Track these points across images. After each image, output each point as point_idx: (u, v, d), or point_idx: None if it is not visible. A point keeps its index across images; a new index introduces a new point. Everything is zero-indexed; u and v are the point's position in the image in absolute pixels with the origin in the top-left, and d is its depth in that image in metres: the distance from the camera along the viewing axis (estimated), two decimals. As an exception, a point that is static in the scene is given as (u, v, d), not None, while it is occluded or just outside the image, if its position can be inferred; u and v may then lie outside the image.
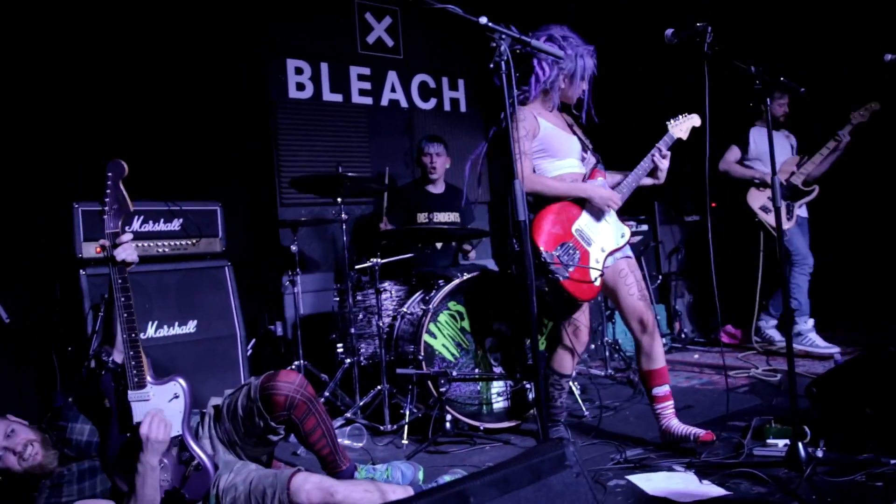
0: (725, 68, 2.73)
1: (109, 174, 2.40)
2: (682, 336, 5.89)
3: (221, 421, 2.62)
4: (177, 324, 3.77)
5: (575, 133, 3.26)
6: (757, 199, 5.02)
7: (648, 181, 3.24)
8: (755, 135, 5.14)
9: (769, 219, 4.93)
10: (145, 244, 3.75)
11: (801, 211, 5.09)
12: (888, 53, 3.60)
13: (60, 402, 3.75)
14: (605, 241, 3.12)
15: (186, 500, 2.42)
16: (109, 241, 2.43)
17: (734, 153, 5.16)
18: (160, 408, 2.40)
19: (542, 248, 2.93)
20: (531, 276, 1.95)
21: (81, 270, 3.57)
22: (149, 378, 2.44)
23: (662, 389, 3.13)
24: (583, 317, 3.23)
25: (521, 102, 3.18)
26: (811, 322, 5.05)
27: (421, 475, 2.75)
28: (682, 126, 3.28)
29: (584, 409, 3.75)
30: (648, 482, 2.64)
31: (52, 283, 4.00)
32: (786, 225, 4.98)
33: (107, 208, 2.41)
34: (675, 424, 3.07)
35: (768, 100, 2.85)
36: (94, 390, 2.53)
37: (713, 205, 5.57)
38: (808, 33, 5.59)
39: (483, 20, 2.15)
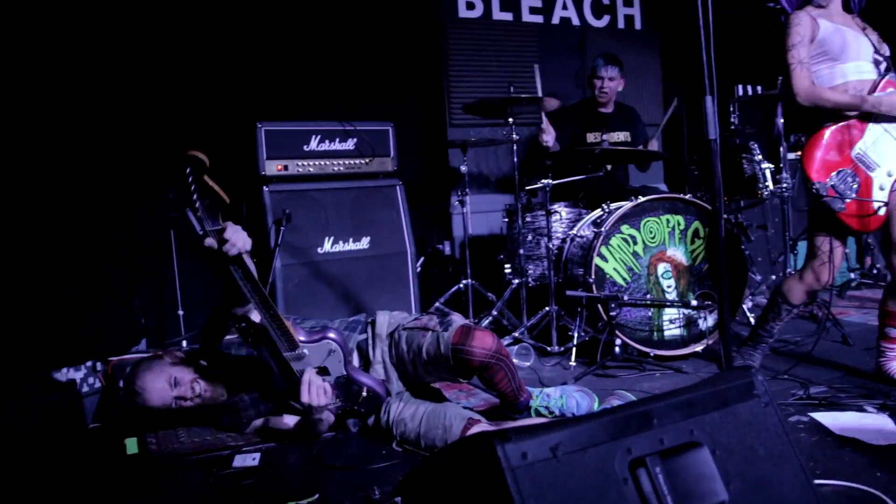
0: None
1: (189, 170, 2.18)
2: (874, 272, 5.41)
3: (398, 349, 2.59)
4: (351, 240, 3.91)
5: (867, 36, 2.85)
6: None
7: None
8: None
9: None
10: (322, 162, 3.89)
11: None
12: None
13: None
14: (892, 162, 2.75)
15: (362, 412, 2.53)
16: (214, 238, 2.18)
17: None
18: (318, 365, 2.41)
19: (813, 178, 2.70)
20: (720, 196, 1.82)
21: (265, 187, 3.77)
22: (300, 338, 2.41)
23: None
24: (838, 250, 2.86)
25: (797, 7, 2.86)
26: None
27: (596, 405, 2.67)
28: None
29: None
30: (834, 420, 2.47)
31: (240, 201, 4.27)
32: None
33: (198, 205, 2.19)
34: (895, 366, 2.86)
35: None
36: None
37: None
38: None
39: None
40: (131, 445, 2.52)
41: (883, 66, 2.80)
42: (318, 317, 2.86)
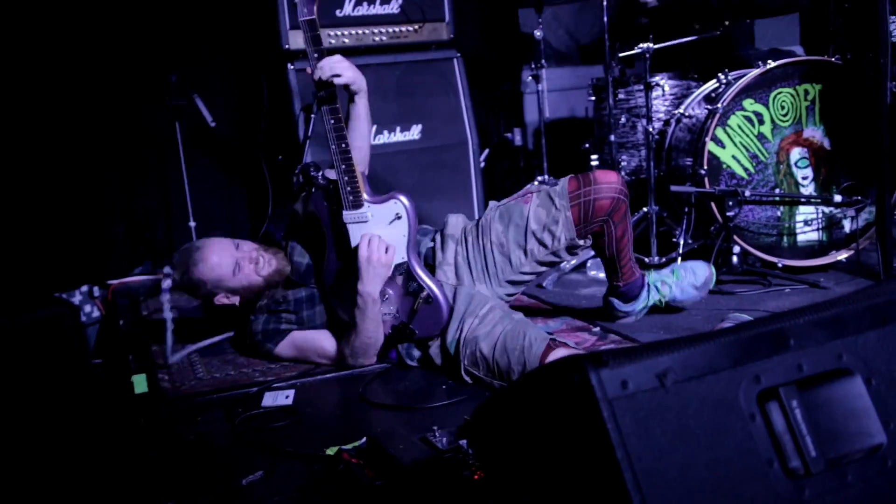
0: None
1: None
2: None
3: (478, 243, 2.67)
4: (398, 129, 3.89)
5: None
6: None
7: None
8: None
9: None
10: (359, 31, 3.84)
11: None
12: None
13: (271, 228, 4.09)
14: None
15: (416, 337, 2.55)
16: (305, 31, 2.47)
17: None
18: (380, 232, 2.49)
19: None
20: (887, 49, 1.71)
21: (289, 65, 3.75)
22: (365, 196, 2.50)
23: None
24: None
25: None
26: None
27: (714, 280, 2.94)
28: None
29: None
30: None
31: (259, 80, 4.26)
32: None
33: None
34: None
35: None
36: (306, 210, 2.72)
37: None
38: None
39: None
40: (140, 383, 2.59)
41: None
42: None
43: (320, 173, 2.57)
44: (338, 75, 2.46)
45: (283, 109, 3.88)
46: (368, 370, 2.60)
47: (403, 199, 2.51)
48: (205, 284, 2.66)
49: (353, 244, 2.50)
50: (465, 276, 2.65)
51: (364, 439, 1.92)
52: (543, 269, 2.70)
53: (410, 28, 3.95)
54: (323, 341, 2.66)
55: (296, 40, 3.74)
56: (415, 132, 3.93)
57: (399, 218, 2.51)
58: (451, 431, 1.90)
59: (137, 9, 4.09)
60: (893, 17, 3.45)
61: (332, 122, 2.46)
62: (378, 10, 3.90)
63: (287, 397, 2.40)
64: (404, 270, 2.53)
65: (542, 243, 2.58)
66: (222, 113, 4.24)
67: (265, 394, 2.44)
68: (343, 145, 2.46)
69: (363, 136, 2.66)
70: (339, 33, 3.80)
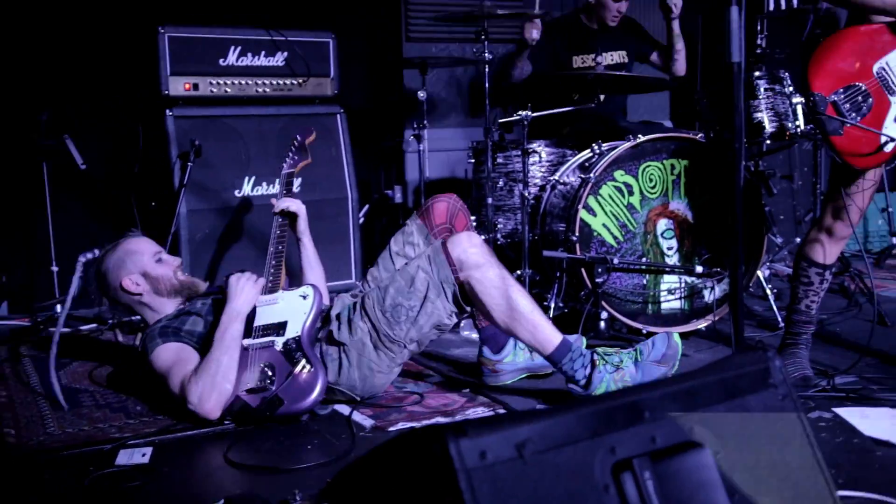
0: None
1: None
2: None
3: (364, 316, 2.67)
4: (277, 181, 3.85)
5: None
6: None
7: None
8: None
9: None
10: (242, 81, 3.81)
11: None
12: None
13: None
14: None
15: (280, 411, 2.49)
16: (282, 182, 3.18)
17: None
18: (284, 301, 2.72)
19: (813, 87, 2.62)
20: (741, 134, 1.82)
21: (168, 111, 3.69)
22: (282, 289, 2.78)
23: None
24: (859, 195, 2.83)
25: None
26: None
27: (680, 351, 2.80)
28: None
29: (779, 318, 3.62)
30: (863, 419, 2.52)
31: (135, 124, 4.17)
32: None
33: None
34: None
35: None
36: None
37: None
38: None
39: None
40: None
41: None
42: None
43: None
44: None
45: (159, 155, 3.81)
46: (232, 427, 2.54)
47: (313, 288, 2.73)
48: (123, 263, 2.78)
49: (256, 324, 2.67)
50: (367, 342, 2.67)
51: (221, 501, 1.87)
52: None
53: (295, 81, 3.95)
54: (192, 363, 2.57)
55: (176, 87, 3.69)
56: (294, 185, 3.90)
57: (305, 298, 2.69)
58: (311, 495, 1.87)
59: (8, 41, 3.96)
60: (801, 98, 3.64)
61: (279, 232, 2.94)
62: (263, 61, 3.89)
63: (144, 455, 2.31)
64: (294, 343, 2.58)
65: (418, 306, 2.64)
66: (95, 155, 4.13)
67: (120, 451, 2.33)
68: (281, 247, 2.90)
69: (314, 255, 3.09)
70: (221, 82, 3.77)
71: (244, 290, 2.66)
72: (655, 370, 2.70)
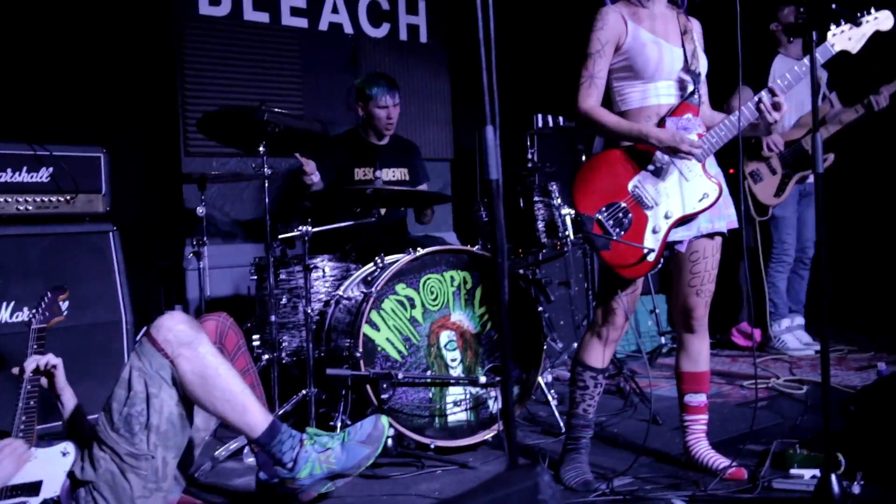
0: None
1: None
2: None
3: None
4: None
5: (684, 44, 2.94)
6: (750, 160, 5.04)
7: (772, 123, 2.87)
8: (779, 68, 5.04)
9: (760, 190, 4.97)
10: (2, 199, 3.57)
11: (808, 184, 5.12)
12: None
13: None
14: (673, 204, 2.88)
15: None
16: (33, 336, 2.79)
17: (745, 93, 5.15)
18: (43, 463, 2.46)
19: (579, 208, 2.83)
20: (503, 250, 1.85)
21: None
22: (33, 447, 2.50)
23: (697, 399, 3.10)
24: (627, 298, 3.01)
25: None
26: (797, 321, 5.36)
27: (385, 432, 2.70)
28: (855, 33, 2.89)
29: (561, 424, 3.70)
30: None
31: None
32: (770, 200, 5.05)
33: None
34: (703, 448, 3.06)
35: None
36: None
37: (731, 171, 5.61)
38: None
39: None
40: None
41: (689, 87, 2.94)
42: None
43: None
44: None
45: None
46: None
47: (74, 444, 2.50)
48: None
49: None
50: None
51: None
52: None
53: (62, 198, 3.75)
54: None
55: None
56: (63, 308, 3.66)
57: (66, 454, 2.49)
58: None
59: None
60: (571, 209, 3.79)
61: (29, 387, 2.62)
62: (24, 177, 3.67)
63: None
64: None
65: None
66: None
67: None
68: (32, 402, 2.59)
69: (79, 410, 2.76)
70: (-24, 200, 3.53)
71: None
72: (361, 450, 2.64)
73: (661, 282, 5.70)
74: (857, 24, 2.89)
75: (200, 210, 4.16)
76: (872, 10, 2.89)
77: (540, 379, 3.78)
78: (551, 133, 5.28)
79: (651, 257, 2.87)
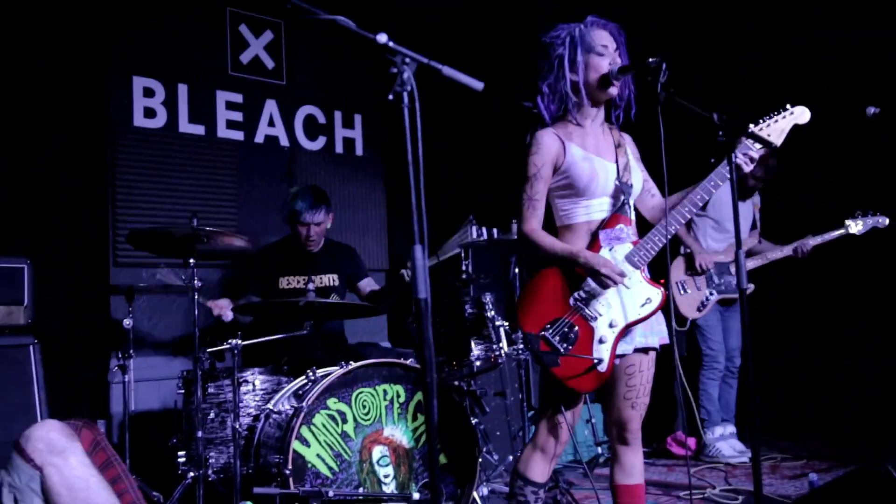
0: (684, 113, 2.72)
1: None
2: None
3: None
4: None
5: (617, 158, 3.01)
6: (677, 271, 5.13)
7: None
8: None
9: (683, 302, 5.07)
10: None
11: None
12: (871, 106, 3.72)
13: None
14: (616, 313, 2.90)
15: None
16: None
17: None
18: None
19: (525, 328, 2.85)
20: (432, 368, 1.83)
21: None
22: None
23: None
24: (570, 413, 3.01)
25: (554, 115, 3.00)
26: (728, 429, 5.37)
27: None
28: (774, 128, 3.00)
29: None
30: None
31: None
32: (691, 314, 5.16)
33: None
34: None
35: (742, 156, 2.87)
36: None
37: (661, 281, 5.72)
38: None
39: (382, 38, 2.03)
40: None
41: (621, 199, 2.98)
42: None
43: None
44: None
45: None
46: None
47: None
48: None
49: None
50: None
51: None
52: None
53: (-18, 310, 3.65)
54: None
55: None
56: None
57: None
58: None
59: None
60: (504, 321, 3.79)
61: None
62: (-57, 289, 3.57)
63: None
64: None
65: None
66: None
67: None
68: None
69: None
70: None
71: None
72: None
73: (596, 391, 5.67)
74: (775, 120, 3.01)
75: (127, 322, 4.07)
76: (788, 107, 3.01)
77: (475, 493, 3.71)
78: (485, 245, 5.33)
79: (602, 367, 2.86)
